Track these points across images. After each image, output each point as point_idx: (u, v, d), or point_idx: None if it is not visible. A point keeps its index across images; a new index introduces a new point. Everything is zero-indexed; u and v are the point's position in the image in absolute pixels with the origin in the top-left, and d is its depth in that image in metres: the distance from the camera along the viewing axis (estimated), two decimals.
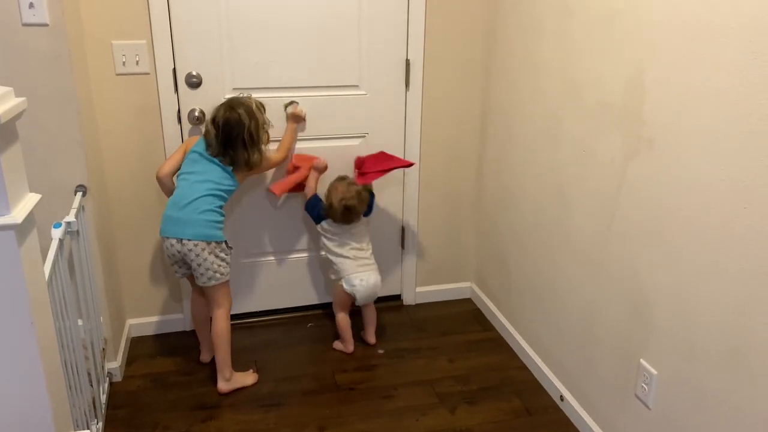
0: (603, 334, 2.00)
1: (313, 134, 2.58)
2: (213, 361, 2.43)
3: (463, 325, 2.83)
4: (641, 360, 1.81)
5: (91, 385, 1.98)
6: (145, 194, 2.47)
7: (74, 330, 1.77)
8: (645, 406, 1.81)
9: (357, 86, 2.59)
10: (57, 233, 1.70)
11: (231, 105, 2.18)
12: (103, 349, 2.25)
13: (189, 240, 2.14)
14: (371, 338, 2.64)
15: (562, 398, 2.26)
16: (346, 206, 2.38)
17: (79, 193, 2.04)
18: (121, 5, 2.23)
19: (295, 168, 2.52)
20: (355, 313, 2.59)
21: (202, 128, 2.30)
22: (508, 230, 2.61)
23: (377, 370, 2.49)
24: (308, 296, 2.87)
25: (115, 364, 2.36)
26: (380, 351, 2.60)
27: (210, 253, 2.16)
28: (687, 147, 1.57)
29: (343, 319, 2.55)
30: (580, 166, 2.05)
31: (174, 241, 2.16)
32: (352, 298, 2.50)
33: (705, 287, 1.55)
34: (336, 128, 2.61)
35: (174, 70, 2.36)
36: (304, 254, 2.79)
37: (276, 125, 2.43)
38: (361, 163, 2.58)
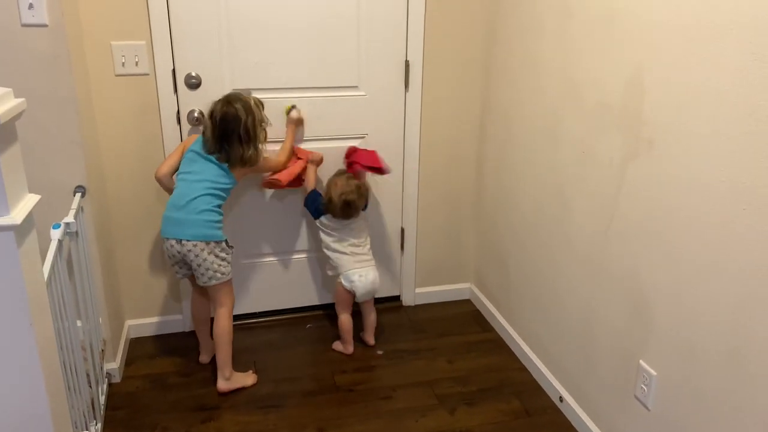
0: (602, 334, 2.00)
1: (313, 135, 2.58)
2: (212, 362, 2.43)
3: (463, 326, 2.83)
4: (641, 361, 1.81)
5: (90, 386, 1.97)
6: (145, 195, 2.47)
7: (73, 331, 1.77)
8: (644, 407, 1.81)
9: (356, 87, 2.59)
10: (56, 234, 1.70)
11: (229, 100, 2.17)
12: (102, 350, 2.24)
13: (188, 240, 2.14)
14: (370, 339, 2.63)
15: (561, 399, 2.26)
16: (345, 201, 2.39)
17: (78, 194, 2.04)
18: (121, 6, 2.23)
19: (297, 159, 2.52)
20: (355, 314, 2.59)
21: (201, 129, 2.30)
22: (508, 231, 2.61)
23: (376, 371, 2.49)
24: (307, 297, 2.87)
25: (114, 365, 2.36)
26: (379, 352, 2.60)
27: (210, 253, 2.16)
28: (687, 148, 1.57)
29: (345, 320, 2.55)
30: (580, 166, 2.05)
31: (174, 242, 2.16)
32: (352, 294, 2.49)
33: (705, 288, 1.55)
34: (335, 129, 2.61)
35: (173, 70, 2.36)
36: (304, 255, 2.79)
37: (275, 126, 2.42)
38: (351, 153, 2.59)
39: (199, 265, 2.17)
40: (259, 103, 2.23)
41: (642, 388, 1.81)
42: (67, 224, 1.81)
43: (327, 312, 2.87)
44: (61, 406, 1.44)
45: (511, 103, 2.49)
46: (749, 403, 1.44)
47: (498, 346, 2.67)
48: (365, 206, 2.54)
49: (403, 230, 2.88)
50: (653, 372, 1.76)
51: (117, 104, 2.33)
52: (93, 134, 2.27)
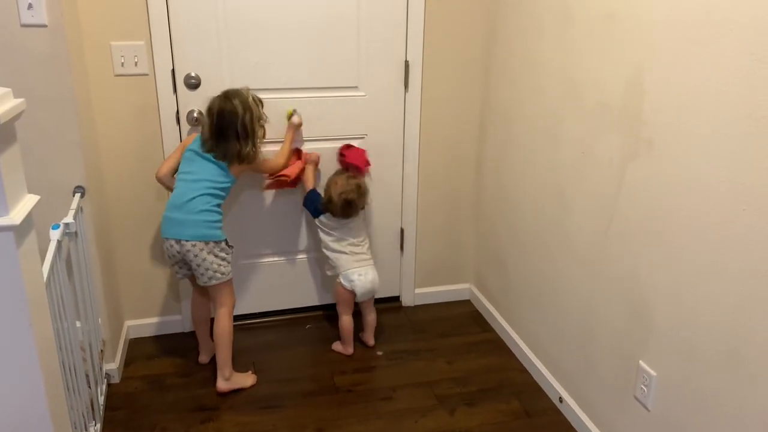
0: (602, 335, 2.00)
1: (313, 135, 2.58)
2: (212, 363, 2.43)
3: (462, 326, 2.83)
4: (640, 361, 1.81)
5: (89, 387, 1.97)
6: (144, 195, 2.47)
7: (72, 331, 1.77)
8: (644, 408, 1.81)
9: (356, 87, 2.59)
10: (55, 234, 1.70)
11: (227, 96, 2.16)
12: (102, 350, 2.24)
13: (187, 241, 2.14)
14: (370, 340, 2.63)
15: (561, 400, 2.25)
16: (346, 200, 2.39)
17: (78, 194, 2.04)
18: (120, 6, 2.23)
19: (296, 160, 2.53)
20: (355, 314, 2.59)
21: (200, 128, 2.30)
22: (508, 231, 2.61)
23: (376, 371, 2.49)
24: (307, 297, 2.87)
25: (113, 366, 2.35)
26: (379, 353, 2.60)
27: (209, 253, 2.16)
28: (686, 148, 1.57)
29: (347, 321, 2.54)
30: (580, 166, 2.05)
31: (173, 242, 2.16)
32: (352, 294, 2.49)
33: (704, 288, 1.55)
34: (335, 129, 2.61)
35: (173, 71, 2.36)
36: (303, 255, 2.79)
37: (274, 126, 2.42)
38: (346, 149, 2.59)
39: (198, 266, 2.17)
40: (258, 101, 2.22)
41: (642, 388, 1.81)
42: (67, 225, 1.81)
43: (326, 312, 2.87)
44: (60, 406, 1.44)
45: (511, 103, 2.49)
46: (749, 403, 1.44)
47: (498, 346, 2.67)
48: (363, 206, 2.54)
49: (402, 231, 2.88)
50: (653, 372, 1.76)
51: (116, 104, 2.33)
52: (92, 134, 2.27)
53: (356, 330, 2.61)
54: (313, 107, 2.55)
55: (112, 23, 2.24)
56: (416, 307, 2.99)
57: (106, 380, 2.30)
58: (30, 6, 1.85)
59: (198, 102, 2.40)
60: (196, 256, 2.15)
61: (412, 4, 2.52)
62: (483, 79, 2.70)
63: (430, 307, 2.99)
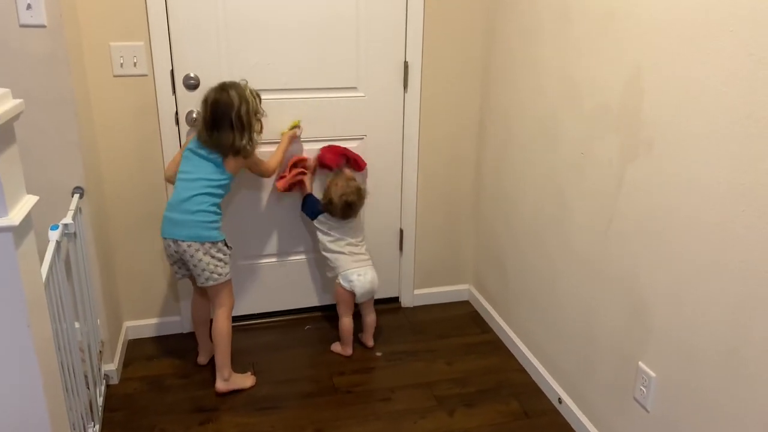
0: (601, 336, 2.00)
1: (312, 136, 2.58)
2: (210, 364, 2.43)
3: (461, 327, 2.83)
4: (640, 362, 1.81)
5: (88, 388, 1.97)
6: (143, 196, 2.47)
7: (71, 332, 1.77)
8: (644, 409, 1.81)
9: (355, 88, 2.59)
10: (54, 235, 1.69)
11: (223, 87, 2.14)
12: (100, 351, 2.24)
13: (183, 241, 2.14)
14: (369, 341, 2.63)
15: (560, 401, 2.25)
16: (346, 202, 2.39)
17: (77, 195, 2.04)
18: (119, 7, 2.23)
19: (293, 165, 2.52)
20: (355, 315, 2.58)
21: None
22: (507, 232, 2.61)
23: (375, 372, 2.49)
24: (306, 298, 2.87)
25: (112, 367, 2.35)
26: (378, 354, 2.60)
27: (205, 254, 2.15)
28: (686, 148, 1.57)
29: (347, 322, 2.54)
30: (579, 167, 2.05)
31: (171, 242, 2.17)
32: (352, 295, 2.49)
33: (704, 289, 1.55)
34: (334, 130, 2.61)
35: (172, 71, 2.36)
36: (302, 256, 2.79)
37: (271, 127, 2.42)
38: (324, 149, 2.57)
39: (195, 266, 2.17)
40: (256, 94, 2.20)
41: (641, 389, 1.81)
42: (66, 225, 1.81)
43: (326, 313, 2.87)
44: (59, 407, 1.44)
45: (511, 103, 2.49)
46: (749, 404, 1.44)
47: (497, 347, 2.67)
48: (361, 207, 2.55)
49: (401, 231, 2.88)
50: (652, 373, 1.76)
51: (115, 105, 2.33)
52: (91, 135, 2.27)
53: (355, 331, 2.61)
54: (313, 108, 2.55)
55: (111, 24, 2.24)
56: (415, 307, 2.99)
57: (104, 381, 2.30)
58: (29, 6, 1.85)
59: (197, 103, 2.38)
60: (192, 256, 2.15)
61: (411, 4, 2.52)
62: (482, 80, 2.70)
63: (429, 307, 2.99)
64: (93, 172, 2.24)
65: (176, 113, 2.41)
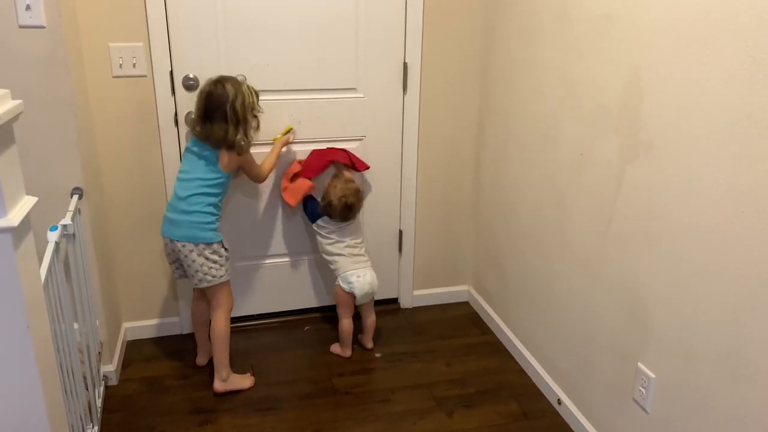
0: (601, 337, 2.00)
1: (311, 137, 2.58)
2: (209, 365, 2.43)
3: (461, 328, 2.83)
4: (639, 363, 1.81)
5: (87, 389, 1.96)
6: (142, 197, 2.46)
7: (70, 333, 1.76)
8: (643, 410, 1.81)
9: (354, 89, 2.59)
10: (53, 236, 1.69)
11: (219, 79, 2.12)
12: (99, 352, 2.23)
13: (178, 241, 2.14)
14: (369, 343, 2.63)
15: (559, 402, 2.25)
16: (346, 204, 2.39)
17: (75, 196, 2.03)
18: (118, 7, 2.23)
19: (296, 176, 2.52)
20: (354, 317, 2.58)
21: None
22: (506, 232, 2.61)
23: (374, 373, 2.49)
24: (305, 299, 2.87)
25: (110, 368, 2.35)
26: (377, 355, 2.60)
27: (199, 255, 2.15)
28: (685, 150, 1.57)
29: (347, 324, 2.54)
30: (579, 168, 2.05)
31: (168, 241, 2.18)
32: (352, 296, 2.49)
33: (703, 290, 1.55)
34: (333, 131, 2.61)
35: (171, 72, 2.36)
36: (301, 257, 2.79)
37: (270, 127, 2.42)
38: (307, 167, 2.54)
39: (189, 266, 2.17)
40: (253, 91, 2.16)
41: (640, 390, 1.81)
42: (65, 226, 1.80)
43: (325, 314, 2.87)
44: (57, 409, 1.43)
45: (510, 104, 2.49)
46: (748, 405, 1.44)
47: (496, 348, 2.67)
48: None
49: (401, 232, 2.88)
50: (651, 375, 1.76)
51: (114, 106, 2.33)
52: (90, 136, 2.27)
53: (355, 332, 2.60)
54: (312, 109, 2.55)
55: (110, 24, 2.23)
56: (414, 308, 2.99)
57: (103, 382, 2.30)
58: (28, 7, 1.85)
59: None
60: (186, 257, 2.15)
61: (410, 5, 2.52)
62: (481, 80, 2.70)
63: (429, 308, 2.99)
64: (92, 173, 2.24)
65: (175, 114, 2.41)
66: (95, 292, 2.22)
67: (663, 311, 1.70)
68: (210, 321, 2.35)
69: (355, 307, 2.55)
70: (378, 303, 2.76)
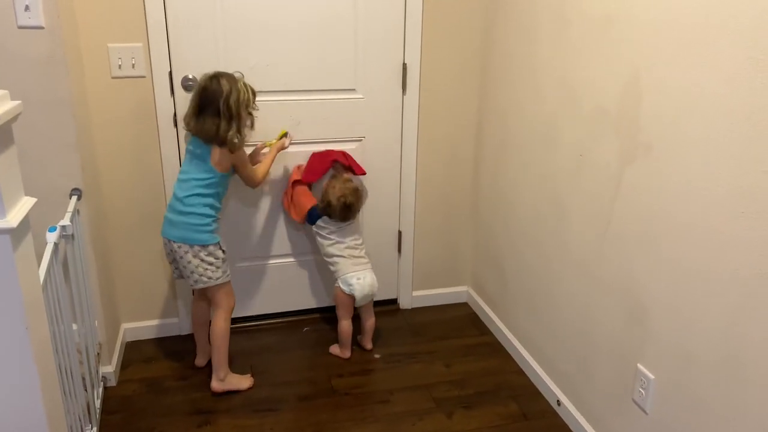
0: (600, 338, 2.00)
1: (310, 138, 2.58)
2: (209, 366, 2.42)
3: (460, 329, 2.83)
4: (638, 365, 1.81)
5: (86, 390, 1.96)
6: (141, 198, 2.46)
7: (69, 334, 1.76)
8: (642, 411, 1.81)
9: (354, 90, 2.59)
10: (52, 237, 1.69)
11: (215, 74, 2.09)
12: (98, 353, 2.23)
13: (174, 241, 2.14)
14: (368, 344, 2.63)
15: (559, 403, 2.25)
16: (345, 203, 2.39)
17: (74, 197, 2.03)
18: (117, 8, 2.23)
19: (296, 182, 2.53)
20: (354, 317, 2.58)
21: None
22: (505, 234, 2.61)
23: (373, 374, 2.48)
24: (304, 300, 2.86)
25: (109, 369, 2.34)
26: (376, 356, 2.60)
27: (194, 257, 2.15)
28: (684, 151, 1.57)
29: (346, 326, 2.54)
30: (577, 169, 2.05)
31: (166, 241, 2.18)
32: (351, 298, 2.49)
33: (702, 291, 1.55)
34: (333, 132, 2.61)
35: (170, 73, 2.36)
36: (301, 258, 2.78)
37: (269, 128, 2.42)
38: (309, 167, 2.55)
39: (184, 267, 2.17)
40: (249, 87, 2.13)
41: (640, 391, 1.81)
42: (63, 227, 1.80)
43: (324, 315, 2.87)
44: (56, 409, 1.43)
45: (509, 105, 2.49)
46: (745, 407, 1.44)
47: (495, 349, 2.67)
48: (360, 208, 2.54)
49: (400, 233, 2.87)
50: (651, 375, 1.76)
51: (113, 107, 2.33)
52: (89, 137, 2.27)
53: (354, 333, 2.60)
54: (311, 109, 2.55)
55: (109, 25, 2.23)
56: (414, 309, 2.99)
57: (102, 383, 2.30)
58: (27, 8, 1.85)
59: None
60: (181, 257, 2.15)
61: (409, 5, 2.52)
62: (480, 81, 2.70)
63: (428, 309, 2.99)
64: (91, 174, 2.23)
65: (174, 115, 2.40)
66: (94, 292, 2.22)
67: (662, 312, 1.70)
68: (210, 322, 2.34)
69: (355, 308, 2.55)
70: (377, 304, 2.76)
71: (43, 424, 1.31)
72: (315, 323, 2.83)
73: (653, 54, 1.65)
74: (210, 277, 2.18)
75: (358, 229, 2.57)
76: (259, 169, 2.31)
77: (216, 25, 2.35)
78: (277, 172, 2.56)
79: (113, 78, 2.29)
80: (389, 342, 2.70)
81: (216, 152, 2.10)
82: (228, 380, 2.32)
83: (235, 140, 2.08)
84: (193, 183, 2.12)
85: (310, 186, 2.56)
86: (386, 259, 2.89)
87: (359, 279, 2.46)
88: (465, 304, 3.04)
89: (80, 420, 1.84)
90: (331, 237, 2.48)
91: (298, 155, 2.56)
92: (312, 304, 2.88)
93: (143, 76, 2.33)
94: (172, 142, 2.42)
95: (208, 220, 2.16)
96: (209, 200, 2.15)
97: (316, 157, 2.54)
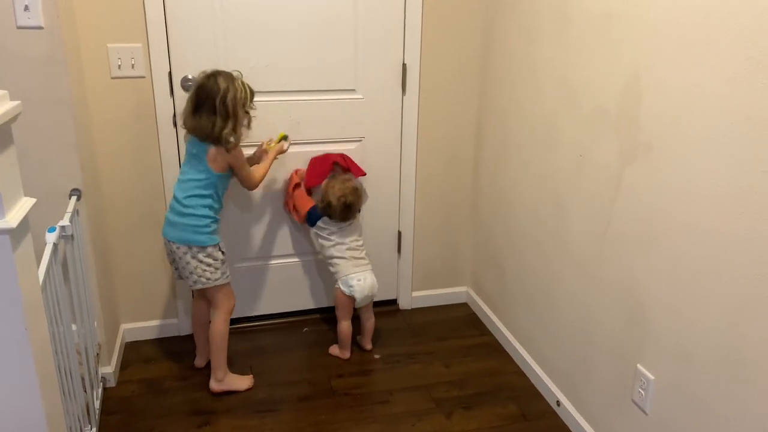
0: (600, 338, 2.00)
1: (309, 138, 2.58)
2: (208, 367, 2.42)
3: (460, 329, 2.82)
4: (638, 365, 1.81)
5: (85, 391, 1.96)
6: (140, 198, 2.46)
7: (68, 335, 1.76)
8: (642, 412, 1.81)
9: (353, 90, 2.59)
10: (51, 237, 1.69)
11: (213, 73, 2.07)
12: (97, 354, 2.23)
13: (173, 242, 2.14)
14: (368, 345, 2.63)
15: (558, 403, 2.25)
16: (345, 203, 2.38)
17: (74, 197, 2.03)
18: (117, 8, 2.22)
19: (296, 186, 2.53)
20: (353, 318, 2.58)
21: None
22: (504, 234, 2.61)
23: (373, 375, 2.48)
24: (304, 301, 2.86)
25: (109, 369, 2.34)
26: (376, 356, 2.60)
27: (193, 258, 2.14)
28: (684, 151, 1.57)
29: (345, 326, 2.53)
30: (577, 169, 2.05)
31: (166, 242, 2.18)
32: (351, 299, 2.49)
33: (702, 291, 1.55)
34: (332, 132, 2.61)
35: (170, 73, 2.36)
36: (300, 258, 2.78)
37: (269, 128, 2.42)
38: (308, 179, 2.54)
39: (183, 268, 2.17)
40: (247, 86, 2.11)
41: (639, 392, 1.80)
42: (63, 227, 1.80)
43: (324, 316, 2.87)
44: (56, 410, 1.43)
45: (509, 105, 2.49)
46: (745, 407, 1.44)
47: (495, 350, 2.67)
48: (360, 208, 2.54)
49: (400, 233, 2.87)
50: (651, 376, 1.76)
51: (113, 107, 2.32)
52: (89, 137, 2.26)
53: (354, 334, 2.60)
54: (311, 110, 2.55)
55: (108, 25, 2.23)
56: (413, 310, 2.99)
57: (101, 384, 2.29)
58: (26, 8, 1.85)
59: None
60: (180, 258, 2.15)
61: (409, 5, 2.52)
62: (480, 82, 2.70)
63: (427, 310, 2.99)
64: (90, 174, 2.23)
65: (174, 115, 2.40)
66: (93, 293, 2.21)
67: (662, 312, 1.70)
68: (210, 322, 2.34)
69: (354, 309, 2.55)
70: (377, 304, 2.75)
71: (42, 424, 1.31)
72: (315, 324, 2.83)
73: (653, 54, 1.65)
74: (209, 278, 2.18)
75: (358, 229, 2.56)
76: (257, 171, 2.28)
77: (216, 26, 2.35)
78: (277, 173, 2.56)
79: (113, 78, 2.29)
80: (389, 342, 2.70)
81: (212, 151, 2.09)
82: (226, 380, 2.31)
83: (231, 139, 2.05)
84: (191, 184, 2.12)
85: (310, 191, 2.56)
86: (386, 260, 2.89)
87: (360, 280, 2.46)
88: (465, 305, 3.04)
89: (79, 420, 1.84)
90: (332, 238, 2.48)
91: (298, 155, 2.55)
92: (312, 304, 2.88)
93: (143, 77, 2.33)
94: (171, 143, 2.42)
95: (207, 221, 2.15)
96: (207, 201, 2.14)
97: (315, 161, 2.54)
